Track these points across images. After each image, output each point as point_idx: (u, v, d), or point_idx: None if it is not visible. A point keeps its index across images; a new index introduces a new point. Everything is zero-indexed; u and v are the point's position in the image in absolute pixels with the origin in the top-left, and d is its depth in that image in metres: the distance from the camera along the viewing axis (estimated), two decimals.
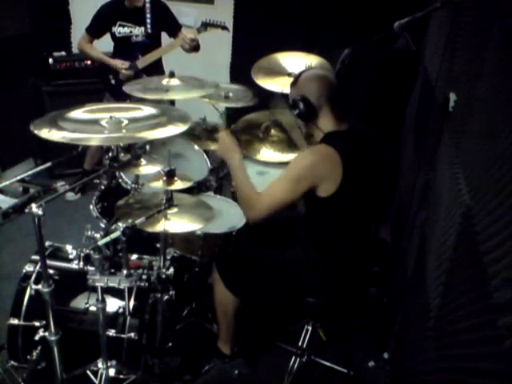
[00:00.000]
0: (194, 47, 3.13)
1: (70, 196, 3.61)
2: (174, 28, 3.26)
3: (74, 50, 4.23)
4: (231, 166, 2.03)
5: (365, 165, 1.93)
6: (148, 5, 3.20)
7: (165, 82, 2.27)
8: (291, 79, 2.55)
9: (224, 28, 3.18)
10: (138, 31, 3.23)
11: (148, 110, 1.69)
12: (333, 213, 1.90)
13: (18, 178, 1.79)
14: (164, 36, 3.36)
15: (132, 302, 1.87)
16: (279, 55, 2.72)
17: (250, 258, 2.09)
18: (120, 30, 3.22)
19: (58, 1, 4.17)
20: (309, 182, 1.83)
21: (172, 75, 2.27)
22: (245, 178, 1.97)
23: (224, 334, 2.15)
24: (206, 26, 3.12)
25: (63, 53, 3.81)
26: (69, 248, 1.88)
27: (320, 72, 2.01)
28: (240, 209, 2.24)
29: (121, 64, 3.20)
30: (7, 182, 1.82)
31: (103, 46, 3.40)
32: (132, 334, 1.83)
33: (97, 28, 3.27)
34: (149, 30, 3.22)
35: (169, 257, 1.95)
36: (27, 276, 1.88)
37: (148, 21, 3.21)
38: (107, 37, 3.32)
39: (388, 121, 2.66)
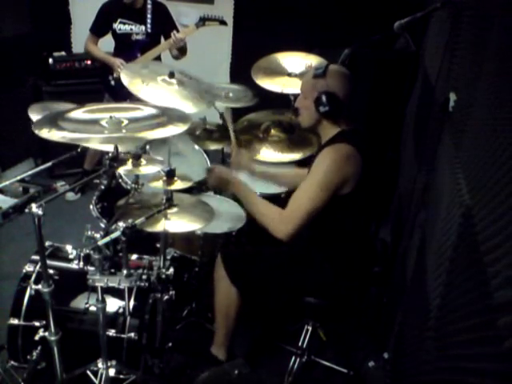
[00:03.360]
0: (180, 48, 3.14)
1: (70, 196, 3.61)
2: (172, 32, 3.27)
3: (74, 49, 4.24)
4: (237, 194, 2.04)
5: (372, 163, 1.93)
6: (149, 6, 3.22)
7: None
8: (291, 79, 2.58)
9: (222, 22, 3.19)
10: (138, 29, 3.24)
11: (148, 110, 1.68)
12: (343, 212, 1.89)
13: (18, 178, 1.80)
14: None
15: (132, 302, 1.87)
16: (279, 55, 2.72)
17: (255, 252, 2.06)
18: (120, 26, 3.23)
19: (58, 1, 4.17)
20: (336, 186, 1.80)
21: (172, 75, 2.27)
22: (263, 202, 1.94)
23: (221, 338, 2.10)
24: (204, 20, 3.13)
25: (63, 53, 3.81)
26: (69, 248, 1.88)
27: (345, 70, 1.95)
28: (242, 210, 2.24)
29: (119, 62, 3.20)
30: (7, 182, 1.83)
31: (104, 46, 3.40)
32: (132, 334, 1.83)
33: (99, 26, 3.28)
34: (149, 30, 3.24)
35: (169, 257, 1.95)
36: (27, 276, 1.88)
37: (148, 20, 3.23)
38: (108, 38, 3.33)
39: (388, 121, 2.66)
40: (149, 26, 3.23)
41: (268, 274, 1.99)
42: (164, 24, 3.28)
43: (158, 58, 3.33)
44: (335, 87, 1.84)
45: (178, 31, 3.23)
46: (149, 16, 3.22)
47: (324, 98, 1.83)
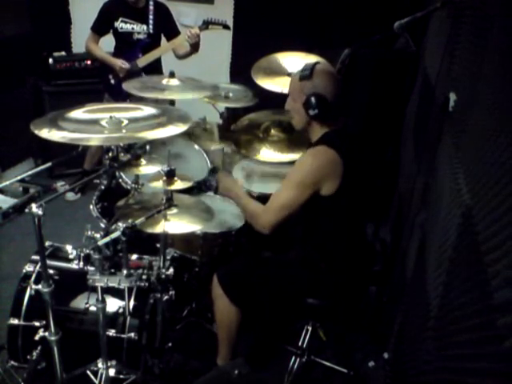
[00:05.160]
0: (196, 44, 3.14)
1: (70, 196, 3.61)
2: (174, 33, 3.27)
3: (74, 49, 4.24)
4: (235, 199, 2.14)
5: (359, 163, 1.94)
6: (151, 6, 3.22)
7: (164, 81, 2.26)
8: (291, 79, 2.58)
9: (225, 27, 3.19)
10: (140, 28, 3.23)
11: (148, 110, 1.69)
12: (332, 211, 1.90)
13: (18, 178, 1.79)
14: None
15: (132, 302, 1.87)
16: (279, 55, 2.72)
17: (250, 267, 2.05)
18: (122, 25, 3.23)
19: (58, 1, 4.17)
20: (313, 187, 1.83)
21: (172, 75, 2.27)
22: (248, 200, 2.04)
23: (225, 351, 2.10)
24: (207, 24, 3.13)
25: (63, 53, 3.81)
26: (69, 248, 1.88)
27: (332, 68, 1.97)
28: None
29: (120, 63, 3.20)
30: (7, 182, 1.83)
31: (104, 46, 3.40)
32: (132, 334, 1.83)
33: (101, 25, 3.28)
34: (151, 30, 3.24)
35: (169, 257, 1.95)
36: (27, 276, 1.88)
37: (150, 21, 3.23)
38: (108, 37, 3.33)
39: (388, 121, 2.66)
40: (151, 25, 3.23)
41: (266, 285, 1.98)
42: (165, 25, 3.28)
43: (158, 59, 3.33)
44: (323, 88, 1.83)
45: (179, 34, 3.23)
46: (151, 16, 3.22)
47: (313, 101, 1.83)
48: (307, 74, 1.85)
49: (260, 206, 1.96)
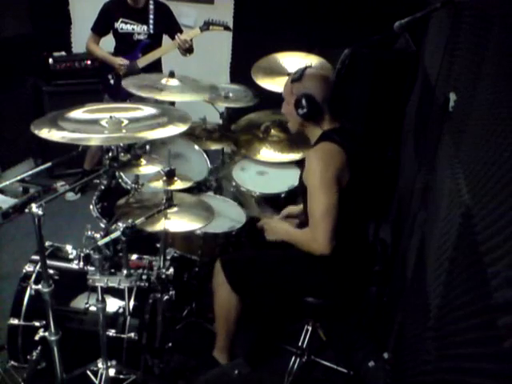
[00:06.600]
0: (186, 49, 3.14)
1: (70, 196, 3.61)
2: (176, 32, 3.26)
3: (74, 49, 4.25)
4: (286, 239, 1.99)
5: (363, 161, 1.94)
6: (151, 6, 3.22)
7: (163, 81, 2.26)
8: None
9: (227, 28, 3.19)
10: (140, 29, 3.23)
11: (148, 110, 1.69)
12: (340, 211, 1.89)
13: (18, 178, 1.79)
14: (164, 36, 3.36)
15: (132, 302, 1.87)
16: (279, 55, 2.73)
17: (254, 257, 2.07)
18: (122, 26, 3.23)
19: (58, 1, 4.17)
20: (334, 180, 1.80)
21: (172, 75, 2.27)
22: (296, 232, 1.97)
23: (222, 342, 2.11)
24: (208, 25, 3.13)
25: (63, 53, 3.81)
26: (69, 248, 1.88)
27: (322, 71, 2.02)
28: (243, 210, 2.24)
29: (120, 60, 3.20)
30: (7, 182, 1.82)
31: (104, 46, 3.40)
32: (132, 334, 1.83)
33: (101, 25, 3.28)
34: (151, 31, 3.24)
35: (169, 257, 1.95)
36: (27, 276, 1.88)
37: (151, 21, 3.22)
38: (108, 37, 3.33)
39: (388, 120, 2.66)
40: (151, 26, 3.23)
41: (268, 277, 1.99)
42: (167, 25, 3.27)
43: (159, 59, 3.33)
44: (312, 89, 1.86)
45: (181, 32, 3.23)
46: (151, 16, 3.22)
47: (302, 101, 1.85)
48: (297, 76, 1.90)
49: (307, 231, 1.88)
